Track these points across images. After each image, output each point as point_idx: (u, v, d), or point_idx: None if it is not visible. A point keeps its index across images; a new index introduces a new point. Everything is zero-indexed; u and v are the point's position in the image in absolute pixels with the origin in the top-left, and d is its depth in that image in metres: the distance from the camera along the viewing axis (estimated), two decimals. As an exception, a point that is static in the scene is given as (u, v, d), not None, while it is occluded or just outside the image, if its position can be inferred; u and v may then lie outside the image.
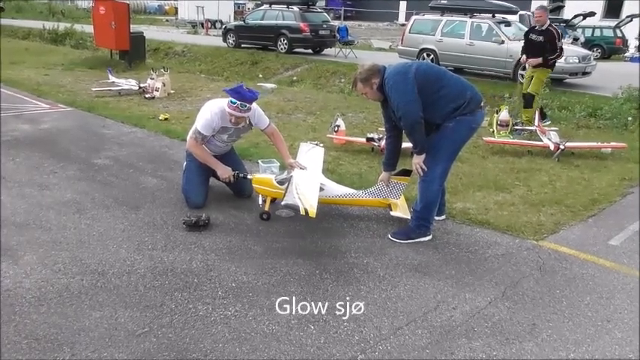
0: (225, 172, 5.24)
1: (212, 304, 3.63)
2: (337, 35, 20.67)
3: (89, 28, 19.45)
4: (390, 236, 4.76)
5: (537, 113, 8.92)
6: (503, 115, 8.75)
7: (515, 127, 8.89)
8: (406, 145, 4.92)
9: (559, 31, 9.29)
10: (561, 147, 7.42)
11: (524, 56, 9.43)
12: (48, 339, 3.20)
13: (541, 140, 7.94)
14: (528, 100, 9.30)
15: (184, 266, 4.12)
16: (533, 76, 9.27)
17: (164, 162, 6.78)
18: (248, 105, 4.98)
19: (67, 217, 4.94)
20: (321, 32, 19.99)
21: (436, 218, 4.96)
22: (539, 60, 9.07)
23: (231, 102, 4.94)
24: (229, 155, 5.60)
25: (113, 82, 12.25)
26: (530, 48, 9.26)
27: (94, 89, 11.70)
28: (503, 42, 13.85)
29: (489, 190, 6.06)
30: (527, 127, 8.89)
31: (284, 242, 4.62)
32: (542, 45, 9.01)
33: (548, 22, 9.20)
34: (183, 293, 3.74)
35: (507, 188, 6.16)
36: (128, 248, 4.39)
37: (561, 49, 9.16)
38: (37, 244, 4.36)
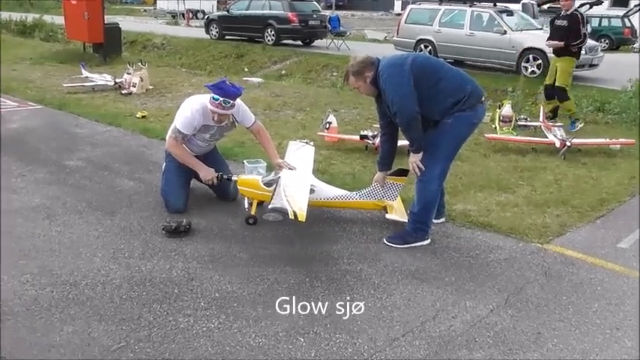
0: (207, 173, 5.22)
1: (194, 315, 3.61)
2: (328, 26, 20.72)
3: (60, 20, 19.34)
4: (385, 241, 4.76)
5: (542, 108, 8.97)
6: (506, 110, 8.81)
7: (519, 123, 8.93)
8: (402, 142, 4.93)
9: (584, 16, 9.32)
10: (567, 144, 7.46)
11: (550, 42, 9.53)
12: (15, 356, 3.17)
13: (546, 137, 7.98)
14: (560, 94, 9.26)
15: (164, 275, 4.10)
16: (557, 68, 9.28)
17: (142, 163, 6.75)
18: (232, 101, 4.97)
19: (35, 224, 4.90)
20: (311, 22, 20.03)
21: (435, 221, 4.97)
22: (560, 43, 9.12)
23: (213, 98, 4.92)
24: (212, 155, 5.59)
25: (86, 77, 12.19)
26: (554, 34, 9.35)
27: (65, 85, 11.63)
28: (505, 32, 13.93)
29: (491, 191, 6.08)
30: (531, 123, 8.94)
31: (271, 248, 4.61)
32: (566, 30, 9.06)
33: (574, 6, 9.29)
34: (163, 305, 3.72)
35: (510, 188, 6.19)
36: (103, 257, 4.36)
37: (585, 35, 9.16)
38: (3, 253, 4.32)
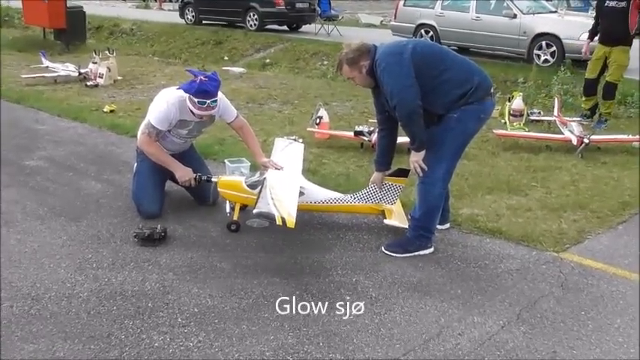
0: (184, 173, 5.22)
1: (170, 333, 3.61)
2: (318, 9, 20.70)
3: (17, 3, 19.26)
4: (383, 249, 4.78)
5: (557, 100, 9.01)
6: (517, 103, 8.84)
7: (531, 118, 8.97)
8: (402, 139, 4.95)
9: None
10: (585, 141, 7.50)
11: (587, 42, 9.37)
12: (-30, 379, 3.17)
13: (561, 133, 8.03)
14: (610, 91, 9.12)
15: (136, 288, 4.10)
16: (607, 58, 9.02)
17: (110, 163, 6.74)
18: (217, 98, 5.01)
19: (-8, 231, 4.90)
20: (299, 5, 20.00)
21: (438, 227, 4.99)
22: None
23: (199, 103, 4.93)
24: (188, 154, 5.60)
25: (47, 67, 12.17)
26: (607, 20, 8.99)
27: (23, 76, 11.60)
28: (515, 16, 13.97)
29: (501, 193, 6.12)
30: (544, 117, 8.99)
31: (256, 258, 4.62)
32: (625, 13, 8.75)
33: None
34: (135, 321, 3.72)
35: (522, 190, 6.22)
36: (68, 267, 4.35)
37: None
38: (-45, 265, 4.31)
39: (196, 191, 5.53)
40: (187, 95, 4.99)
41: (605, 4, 9.04)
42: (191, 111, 5.04)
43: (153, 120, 5.10)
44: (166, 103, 5.09)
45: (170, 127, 5.16)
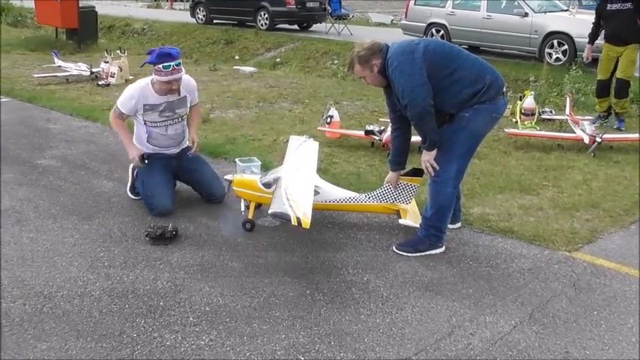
0: (133, 152, 5.46)
1: (181, 331, 3.62)
2: (328, 8, 20.72)
3: (29, 3, 19.36)
4: (394, 248, 4.77)
5: (569, 99, 8.97)
6: (528, 102, 8.80)
7: (543, 117, 8.94)
8: (415, 138, 4.94)
9: None
10: (598, 140, 7.46)
11: (588, 47, 9.25)
12: (-17, 377, 3.19)
13: (573, 132, 7.99)
14: (622, 88, 8.96)
15: (148, 287, 4.11)
16: (618, 58, 8.88)
17: (122, 162, 6.72)
18: (180, 60, 5.26)
19: (5, 230, 4.92)
20: (309, 5, 20.03)
21: (450, 226, 4.98)
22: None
23: (163, 68, 5.17)
24: (201, 170, 5.71)
25: (59, 66, 12.21)
26: (613, 22, 8.83)
27: (36, 75, 11.65)
28: (526, 14, 13.93)
29: (513, 193, 6.09)
30: (556, 116, 8.95)
31: (268, 257, 4.62)
32: (631, 14, 8.59)
33: None
34: (147, 319, 3.73)
35: (534, 190, 6.20)
36: (80, 266, 4.37)
37: None
38: (-31, 263, 4.34)
39: (203, 189, 5.61)
40: (152, 79, 5.31)
41: (608, 7, 8.88)
42: (158, 89, 5.31)
43: (118, 102, 5.48)
44: (130, 89, 5.47)
45: (135, 111, 5.40)
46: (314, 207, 4.47)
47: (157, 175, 5.40)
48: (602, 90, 9.29)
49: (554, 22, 13.73)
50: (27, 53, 15.20)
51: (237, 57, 17.42)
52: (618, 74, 8.92)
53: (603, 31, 9.12)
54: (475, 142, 4.64)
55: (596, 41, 9.43)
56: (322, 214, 5.26)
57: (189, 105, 5.60)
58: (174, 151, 5.62)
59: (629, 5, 8.63)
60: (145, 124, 5.43)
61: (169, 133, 5.51)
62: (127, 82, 11.47)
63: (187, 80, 5.55)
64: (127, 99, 5.40)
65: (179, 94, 5.42)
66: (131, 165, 5.61)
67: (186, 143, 5.70)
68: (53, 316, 3.73)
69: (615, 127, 8.84)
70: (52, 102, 9.65)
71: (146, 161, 5.42)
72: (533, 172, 6.79)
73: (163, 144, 5.51)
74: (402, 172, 5.01)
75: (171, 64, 5.15)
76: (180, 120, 5.56)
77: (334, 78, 13.80)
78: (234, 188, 5.17)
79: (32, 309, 3.79)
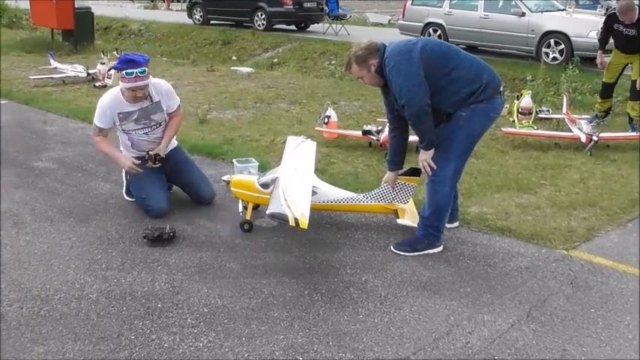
0: (125, 161, 5.40)
1: (180, 333, 3.62)
2: (326, 8, 20.69)
3: (25, 4, 19.34)
4: (392, 248, 4.78)
5: (566, 98, 8.98)
6: (526, 101, 8.82)
7: (540, 116, 8.95)
8: (413, 138, 4.94)
9: None
10: (594, 138, 7.47)
11: (599, 52, 9.14)
12: (-19, 380, 3.18)
13: (570, 131, 8.01)
14: (635, 91, 8.75)
15: (146, 289, 4.11)
16: (628, 64, 8.84)
17: (118, 164, 6.74)
18: (145, 68, 5.12)
19: (2, 233, 4.91)
20: (306, 5, 20.00)
21: (447, 226, 4.99)
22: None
23: (126, 74, 5.08)
24: (188, 171, 5.69)
25: (56, 68, 12.21)
26: (620, 41, 8.79)
27: (32, 77, 11.65)
28: (524, 14, 13.93)
29: (510, 191, 6.10)
30: (553, 115, 8.96)
31: (265, 258, 4.62)
32: (637, 38, 8.48)
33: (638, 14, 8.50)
34: (145, 321, 3.73)
35: (531, 188, 6.21)
36: (77, 268, 4.37)
37: None
38: (-34, 266, 4.33)
39: (192, 190, 5.61)
40: (119, 86, 5.24)
41: (615, 27, 8.78)
42: (126, 96, 5.22)
43: (95, 120, 5.44)
44: (100, 102, 5.38)
45: (112, 123, 5.37)
46: (312, 207, 4.48)
47: (148, 177, 5.38)
48: (607, 91, 9.26)
49: (551, 21, 13.74)
50: (23, 55, 15.19)
51: (234, 57, 17.42)
52: (634, 76, 8.81)
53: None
54: (472, 141, 4.65)
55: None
56: (320, 214, 5.26)
57: (165, 109, 5.46)
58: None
59: (633, 32, 8.50)
60: (125, 132, 5.43)
61: (151, 139, 5.48)
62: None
63: (157, 84, 5.45)
64: (100, 113, 5.37)
65: (152, 100, 5.35)
66: (124, 170, 5.56)
67: (175, 144, 5.69)
68: (50, 319, 3.73)
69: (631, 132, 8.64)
70: (49, 104, 9.65)
71: (159, 156, 5.42)
72: (531, 171, 6.80)
73: (146, 147, 5.46)
74: (400, 171, 5.02)
75: (135, 71, 5.04)
76: (158, 126, 5.49)
77: (332, 78, 13.81)
78: (231, 189, 5.18)
79: (29, 312, 3.79)
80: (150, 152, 5.41)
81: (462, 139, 4.53)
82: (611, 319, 3.89)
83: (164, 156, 5.42)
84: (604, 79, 9.30)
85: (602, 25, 9.30)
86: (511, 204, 5.76)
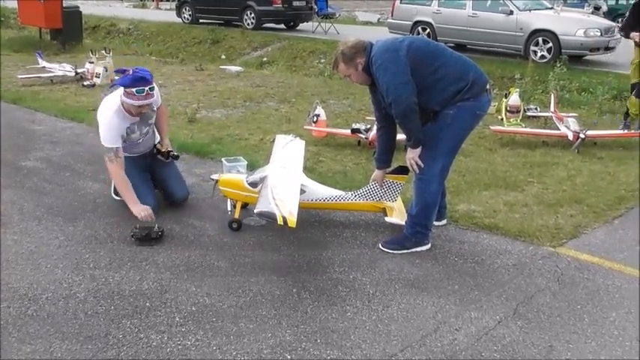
0: (139, 209, 5.00)
1: (168, 332, 3.62)
2: (315, 7, 20.74)
3: (12, 3, 19.24)
4: (380, 246, 4.79)
5: (553, 96, 9.01)
6: (514, 99, 8.86)
7: (528, 114, 8.99)
8: (401, 136, 4.95)
9: None
10: (581, 136, 7.52)
11: (634, 33, 8.64)
12: (-32, 380, 3.17)
13: (558, 129, 8.05)
14: None
15: (134, 288, 4.11)
16: None
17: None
18: (153, 85, 5.08)
19: (-11, 232, 4.90)
20: (296, 4, 20.03)
21: (435, 224, 5.00)
22: None
23: (137, 92, 4.93)
24: (166, 165, 5.62)
25: (44, 67, 12.16)
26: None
27: (20, 77, 11.57)
28: (512, 12, 14.02)
29: (498, 189, 6.13)
30: (541, 113, 9.01)
31: (254, 256, 4.63)
32: None
33: None
34: (133, 320, 3.73)
35: (519, 186, 6.24)
36: (65, 268, 4.36)
37: None
38: (-47, 266, 4.32)
39: (165, 187, 5.57)
40: (121, 98, 5.03)
41: (631, 36, 8.60)
42: (128, 110, 5.08)
43: (106, 142, 5.07)
44: (104, 123, 5.11)
45: (124, 138, 5.17)
46: (300, 206, 4.47)
47: (134, 176, 5.29)
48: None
49: (539, 19, 13.83)
50: (11, 54, 15.09)
51: (223, 56, 17.40)
52: None
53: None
54: (460, 139, 4.66)
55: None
56: (308, 212, 5.27)
57: (155, 108, 5.45)
58: (147, 151, 5.56)
59: None
60: (127, 141, 5.29)
61: (140, 142, 5.45)
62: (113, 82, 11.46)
63: (155, 91, 5.32)
64: (112, 134, 5.07)
65: (152, 107, 5.34)
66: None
67: (157, 139, 5.64)
68: (38, 318, 3.72)
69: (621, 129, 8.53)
70: (37, 103, 9.60)
71: (174, 154, 5.52)
72: (519, 168, 6.83)
73: (137, 151, 5.44)
74: (388, 170, 5.03)
75: (145, 88, 4.96)
76: (151, 125, 5.51)
77: (321, 77, 13.82)
78: (220, 188, 5.17)
79: (16, 312, 3.78)
80: (161, 149, 5.49)
81: (449, 137, 4.55)
82: (597, 316, 3.92)
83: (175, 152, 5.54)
84: (632, 81, 8.90)
85: (627, 14, 9.06)
86: (499, 201, 5.79)
